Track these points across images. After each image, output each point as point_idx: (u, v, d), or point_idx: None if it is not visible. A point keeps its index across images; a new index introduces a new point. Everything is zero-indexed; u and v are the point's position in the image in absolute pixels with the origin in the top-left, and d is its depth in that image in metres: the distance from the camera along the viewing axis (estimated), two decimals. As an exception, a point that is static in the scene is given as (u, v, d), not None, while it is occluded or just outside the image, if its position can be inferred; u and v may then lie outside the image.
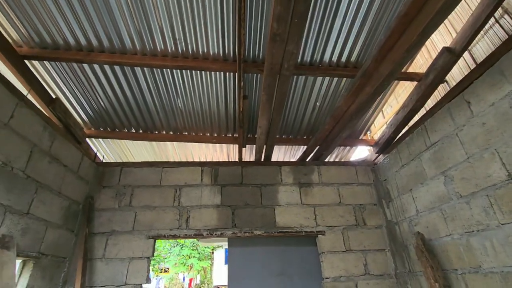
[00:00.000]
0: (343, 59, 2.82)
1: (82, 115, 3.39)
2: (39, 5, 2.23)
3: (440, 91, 3.04)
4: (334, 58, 2.81)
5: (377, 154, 3.81)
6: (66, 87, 3.00)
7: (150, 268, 3.34)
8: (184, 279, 16.89)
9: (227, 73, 2.90)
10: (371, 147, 4.03)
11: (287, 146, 4.25)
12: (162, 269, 17.28)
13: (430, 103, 2.97)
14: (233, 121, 3.62)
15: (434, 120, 2.77)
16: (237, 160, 4.39)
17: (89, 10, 2.28)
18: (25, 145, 2.41)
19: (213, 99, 3.26)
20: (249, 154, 4.41)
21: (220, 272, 17.36)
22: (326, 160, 4.00)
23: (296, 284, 3.31)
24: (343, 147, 4.38)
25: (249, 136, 3.85)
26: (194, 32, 2.50)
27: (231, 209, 3.53)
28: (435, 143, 2.75)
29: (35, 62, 2.67)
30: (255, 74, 2.94)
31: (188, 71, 2.84)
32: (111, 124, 3.58)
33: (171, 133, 3.77)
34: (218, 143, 3.92)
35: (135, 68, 2.78)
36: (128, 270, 3.11)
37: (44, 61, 2.66)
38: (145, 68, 2.79)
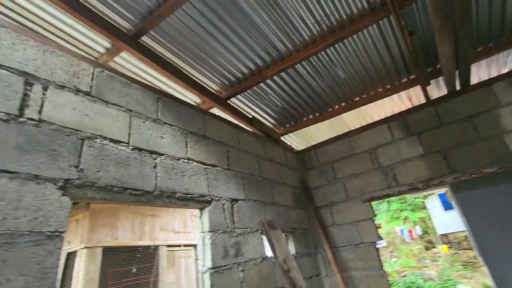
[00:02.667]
0: None
1: (270, 120, 4.18)
2: (218, 57, 3.00)
3: None
4: None
5: None
6: (254, 105, 3.82)
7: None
8: (402, 232, 16.57)
9: (380, 22, 2.66)
10: None
11: (487, 59, 3.27)
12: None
13: None
14: (403, 63, 3.24)
15: None
16: (423, 101, 3.88)
17: (247, 40, 2.81)
18: (253, 157, 3.31)
19: (373, 53, 3.08)
20: (436, 90, 3.77)
21: (440, 220, 15.69)
22: None
23: None
24: None
25: (429, 71, 3.31)
26: (332, 2, 2.49)
27: (440, 154, 3.18)
28: None
29: (232, 99, 3.59)
30: (409, 6, 2.52)
31: (340, 42, 2.85)
32: (292, 118, 4.18)
33: (343, 104, 3.89)
34: (395, 93, 3.63)
35: (295, 66, 3.12)
36: (359, 231, 3.53)
37: (237, 95, 3.51)
38: (302, 62, 3.07)
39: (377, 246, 3.50)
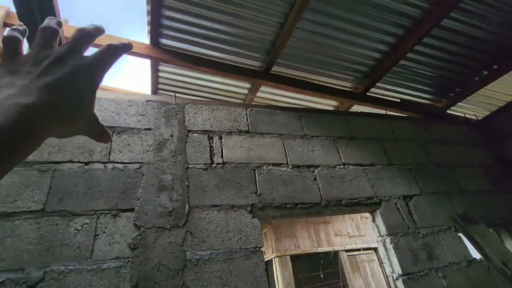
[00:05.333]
0: None
1: (426, 96, 3.52)
2: (343, 54, 2.88)
3: None
4: None
5: None
6: (399, 87, 3.35)
7: None
8: None
9: None
10: None
11: None
12: None
13: None
14: None
15: None
16: None
17: (369, 23, 2.57)
18: (416, 144, 2.87)
19: None
20: None
21: None
22: None
23: None
24: None
25: None
26: None
27: None
28: None
29: (372, 90, 3.32)
30: None
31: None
32: (456, 85, 3.35)
33: (536, 38, 2.75)
34: None
35: (440, 24, 2.54)
36: None
37: (376, 84, 3.21)
38: (450, 14, 2.46)
39: None
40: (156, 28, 2.50)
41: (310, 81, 3.13)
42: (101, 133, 0.36)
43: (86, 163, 1.74)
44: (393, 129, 2.89)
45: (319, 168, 2.32)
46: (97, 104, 2.00)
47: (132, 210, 1.68)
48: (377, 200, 2.31)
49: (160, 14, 2.40)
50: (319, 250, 5.92)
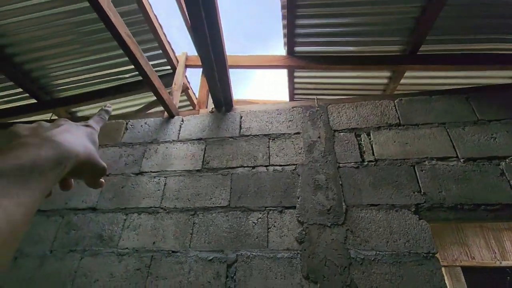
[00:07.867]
0: None
1: None
2: None
3: None
4: None
5: None
6: None
7: None
8: None
9: None
10: None
11: None
12: None
13: None
14: None
15: None
16: None
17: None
18: None
19: None
20: None
21: None
22: None
23: None
24: None
25: None
26: None
27: None
28: None
29: None
30: None
31: None
32: None
33: None
34: None
35: None
36: None
37: None
38: None
39: None
40: (291, 38, 2.69)
41: (476, 52, 2.52)
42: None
43: (253, 167, 2.08)
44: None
45: (507, 160, 1.82)
46: (254, 116, 2.35)
47: (294, 207, 1.86)
48: None
49: (295, 24, 2.56)
50: (504, 264, 4.56)
